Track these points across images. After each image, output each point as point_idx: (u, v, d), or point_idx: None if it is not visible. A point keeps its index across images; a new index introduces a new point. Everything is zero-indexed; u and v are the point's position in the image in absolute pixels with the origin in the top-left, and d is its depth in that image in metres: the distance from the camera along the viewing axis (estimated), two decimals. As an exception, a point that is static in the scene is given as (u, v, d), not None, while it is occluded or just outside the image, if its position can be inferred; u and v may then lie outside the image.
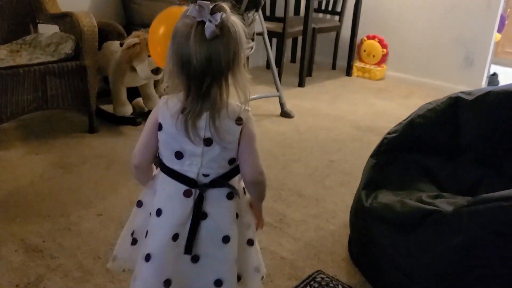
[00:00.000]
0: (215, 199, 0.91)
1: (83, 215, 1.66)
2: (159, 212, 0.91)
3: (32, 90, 2.14)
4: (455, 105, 1.55)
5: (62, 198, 1.76)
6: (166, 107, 0.88)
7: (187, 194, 0.90)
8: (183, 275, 0.93)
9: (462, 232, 1.10)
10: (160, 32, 1.82)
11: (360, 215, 1.42)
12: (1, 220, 1.59)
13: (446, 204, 1.19)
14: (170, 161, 0.91)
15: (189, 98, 0.84)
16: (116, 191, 1.84)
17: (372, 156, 1.57)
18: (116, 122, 2.51)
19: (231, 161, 0.92)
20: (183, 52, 0.81)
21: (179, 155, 0.89)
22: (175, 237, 0.91)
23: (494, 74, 3.99)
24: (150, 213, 0.94)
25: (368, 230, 1.37)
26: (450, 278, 1.15)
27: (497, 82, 4.00)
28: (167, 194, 0.92)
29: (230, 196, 0.93)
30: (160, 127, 0.89)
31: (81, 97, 2.30)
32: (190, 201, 0.90)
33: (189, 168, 0.89)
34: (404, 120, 1.60)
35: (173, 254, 0.91)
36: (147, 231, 0.94)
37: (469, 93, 1.56)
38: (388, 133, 1.59)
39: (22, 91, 2.10)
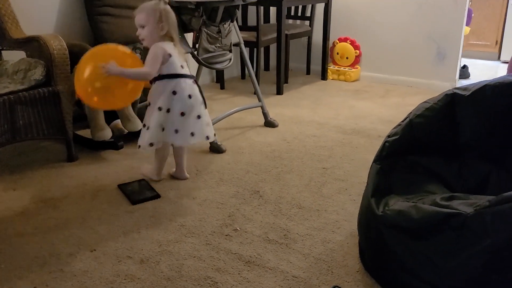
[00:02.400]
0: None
1: (74, 253, 1.53)
2: (175, 92, 1.87)
3: (2, 122, 1.99)
4: (452, 102, 1.53)
5: (49, 237, 1.62)
6: (167, 47, 1.86)
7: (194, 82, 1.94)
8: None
9: (489, 235, 1.06)
10: (89, 72, 1.78)
11: (372, 224, 1.37)
12: (-16, 268, 1.45)
13: (464, 205, 1.16)
14: (178, 69, 1.88)
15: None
16: (107, 222, 1.72)
17: (375, 161, 1.52)
18: (95, 147, 2.38)
19: None
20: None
21: (182, 67, 1.90)
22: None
23: (464, 67, 4.08)
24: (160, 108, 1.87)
25: (382, 239, 1.32)
26: (480, 284, 1.11)
27: (468, 74, 4.09)
28: (180, 84, 1.88)
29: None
30: (170, 55, 1.85)
31: (56, 125, 2.16)
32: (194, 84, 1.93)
33: (187, 71, 1.91)
34: (403, 121, 1.57)
35: None
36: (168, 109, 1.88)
37: (464, 89, 1.54)
38: (389, 136, 1.55)
39: (-8, 124, 1.94)
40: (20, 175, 2.11)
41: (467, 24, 3.62)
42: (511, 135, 1.45)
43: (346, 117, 2.97)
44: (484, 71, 4.38)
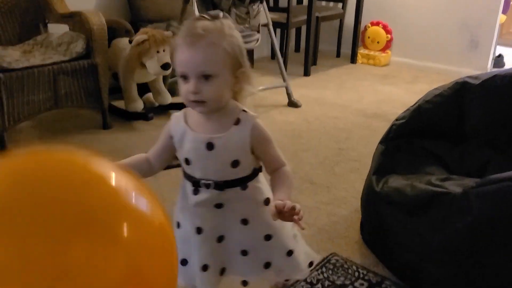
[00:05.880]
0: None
1: (104, 208, 1.72)
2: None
3: (46, 90, 2.20)
4: (461, 90, 1.59)
5: (82, 193, 1.82)
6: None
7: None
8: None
9: (471, 213, 1.15)
10: None
11: (371, 199, 1.48)
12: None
13: (455, 186, 1.24)
14: None
15: None
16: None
17: (381, 142, 1.61)
18: (128, 117, 2.57)
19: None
20: None
21: None
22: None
23: (500, 56, 3.99)
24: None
25: (379, 214, 1.43)
26: (460, 258, 1.20)
27: (503, 64, 4.00)
28: None
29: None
30: None
31: (94, 95, 2.36)
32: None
33: None
34: (412, 106, 1.64)
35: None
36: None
37: (476, 77, 1.59)
38: (396, 120, 1.63)
39: (37, 91, 2.16)
40: (60, 139, 2.33)
41: (504, 12, 3.54)
42: (516, 124, 1.50)
43: (369, 101, 3.02)
44: (521, 61, 4.27)
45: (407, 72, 3.75)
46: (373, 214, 1.47)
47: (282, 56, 3.05)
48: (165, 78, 2.67)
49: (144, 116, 2.56)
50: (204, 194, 0.95)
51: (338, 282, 1.36)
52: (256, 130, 0.94)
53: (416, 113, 1.61)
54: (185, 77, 0.88)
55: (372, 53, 3.94)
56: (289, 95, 2.89)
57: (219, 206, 0.96)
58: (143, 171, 0.96)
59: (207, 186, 0.94)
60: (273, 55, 4.11)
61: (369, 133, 2.49)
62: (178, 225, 1.02)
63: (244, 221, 0.98)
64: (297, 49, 4.34)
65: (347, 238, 1.57)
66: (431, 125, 1.60)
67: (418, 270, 1.30)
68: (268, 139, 0.97)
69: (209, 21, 0.88)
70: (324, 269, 1.41)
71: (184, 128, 0.94)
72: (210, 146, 0.92)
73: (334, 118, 2.71)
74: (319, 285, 1.35)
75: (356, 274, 1.39)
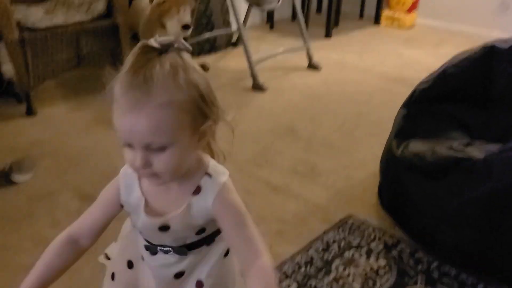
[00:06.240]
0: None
1: (127, 167, 1.78)
2: None
3: (69, 49, 2.22)
4: (490, 54, 1.54)
5: (107, 151, 1.88)
6: None
7: None
8: None
9: (491, 179, 1.15)
10: None
11: (391, 163, 1.49)
12: (55, 172, 1.73)
13: (477, 151, 1.24)
14: None
15: None
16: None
17: (403, 106, 1.60)
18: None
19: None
20: None
21: None
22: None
23: (531, 19, 3.82)
24: None
25: (398, 177, 1.44)
26: (478, 224, 1.21)
27: (534, 28, 3.84)
28: None
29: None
30: None
31: (116, 55, 2.37)
32: None
33: None
34: (437, 70, 1.61)
35: None
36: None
37: (505, 41, 1.55)
38: (420, 84, 1.61)
39: (60, 51, 2.18)
40: (83, 98, 2.37)
41: (539, -28, 3.36)
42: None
43: (392, 65, 2.96)
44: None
45: (432, 35, 3.63)
46: (392, 177, 1.48)
47: (303, 17, 2.99)
48: (185, 39, 2.65)
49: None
50: (161, 258, 0.77)
51: (354, 243, 1.39)
52: (220, 201, 0.70)
53: (441, 77, 1.58)
54: (129, 145, 0.66)
55: (396, 14, 3.82)
56: (309, 57, 2.85)
57: (179, 275, 0.77)
58: (68, 260, 0.77)
59: (166, 252, 0.76)
60: (294, 16, 4.02)
61: (391, 98, 2.45)
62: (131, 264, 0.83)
63: (199, 284, 0.78)
64: (318, 9, 4.23)
65: (364, 201, 1.60)
66: (456, 90, 1.57)
67: (435, 234, 1.32)
68: (238, 213, 0.71)
69: (158, 65, 0.61)
70: (340, 230, 1.44)
71: (138, 202, 0.74)
72: (164, 228, 0.73)
73: (354, 82, 2.67)
74: (335, 245, 1.39)
75: (372, 235, 1.42)
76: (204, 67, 2.71)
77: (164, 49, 0.64)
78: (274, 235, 1.43)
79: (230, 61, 2.94)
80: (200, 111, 0.65)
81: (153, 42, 0.64)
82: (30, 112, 2.18)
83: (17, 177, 1.65)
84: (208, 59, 2.91)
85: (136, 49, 0.64)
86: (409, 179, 1.40)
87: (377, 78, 2.73)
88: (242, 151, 1.90)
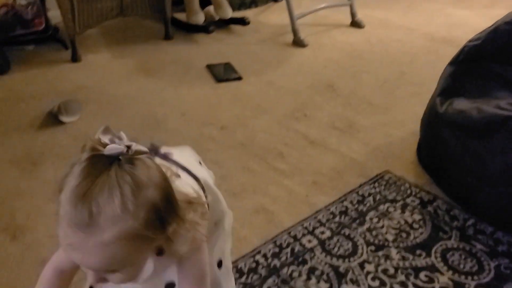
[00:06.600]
0: None
1: (168, 114, 1.82)
2: None
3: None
4: (547, 11, 1.46)
5: (147, 99, 1.93)
6: None
7: None
8: None
9: (540, 137, 1.11)
10: None
11: (433, 120, 1.46)
12: (99, 115, 1.80)
13: (526, 110, 1.20)
14: None
15: None
16: (194, 94, 1.98)
17: (450, 64, 1.55)
18: (189, 30, 2.59)
19: None
20: None
21: None
22: None
23: None
24: None
25: (440, 135, 1.41)
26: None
27: None
28: None
29: None
30: None
31: (158, 5, 2.38)
32: None
33: None
34: (489, 27, 1.53)
35: None
36: None
37: None
38: (470, 41, 1.55)
39: (105, -2, 2.22)
40: (125, 46, 2.42)
41: None
42: None
43: (439, 25, 2.83)
44: None
45: (485, -5, 3.43)
46: (433, 135, 1.46)
47: (348, -28, 2.87)
48: (227, -9, 2.62)
49: (204, 29, 2.57)
50: None
51: (390, 197, 1.40)
52: (184, 261, 0.69)
53: (492, 35, 1.51)
54: None
55: (447, -27, 3.60)
56: (352, 14, 2.77)
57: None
58: (65, 284, 0.77)
59: None
60: (338, -28, 3.87)
61: (436, 58, 2.36)
62: None
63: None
64: (364, -34, 4.05)
65: (402, 158, 1.58)
66: (507, 49, 1.50)
67: (474, 192, 1.30)
68: (199, 273, 0.72)
69: (106, 187, 0.54)
70: (376, 184, 1.45)
71: None
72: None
73: (398, 41, 2.58)
74: (370, 198, 1.40)
75: (409, 191, 1.42)
76: (244, 21, 2.69)
77: (114, 158, 0.56)
78: (309, 185, 1.45)
79: (271, 16, 2.90)
80: (156, 226, 0.58)
81: (102, 147, 0.56)
82: (75, 58, 2.24)
83: (64, 118, 1.73)
84: (249, 13, 2.87)
85: (84, 157, 0.56)
86: (451, 137, 1.37)
87: (422, 39, 2.63)
88: (281, 105, 1.91)
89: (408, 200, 1.38)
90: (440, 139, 1.41)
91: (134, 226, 0.55)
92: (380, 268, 1.16)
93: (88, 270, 0.60)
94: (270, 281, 1.13)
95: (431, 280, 1.13)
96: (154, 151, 0.70)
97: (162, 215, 0.58)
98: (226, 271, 0.91)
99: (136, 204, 0.55)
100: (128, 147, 0.57)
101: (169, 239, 0.61)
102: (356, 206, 1.36)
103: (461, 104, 1.38)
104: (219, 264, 0.89)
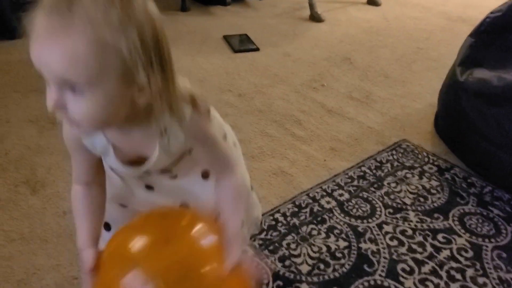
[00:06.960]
0: None
1: (186, 80, 1.83)
2: None
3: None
4: None
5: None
6: None
7: None
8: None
9: None
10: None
11: (452, 89, 1.46)
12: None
13: (549, 77, 1.20)
14: None
15: None
16: (211, 62, 1.99)
17: (470, 35, 1.55)
18: (206, 2, 2.59)
19: None
20: None
21: None
22: None
23: None
24: None
25: (459, 103, 1.42)
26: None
27: None
28: None
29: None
30: None
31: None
32: None
33: None
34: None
35: None
36: None
37: None
38: (491, 12, 1.54)
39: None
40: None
41: None
42: None
43: (455, 4, 2.81)
44: None
45: (502, -23, 3.38)
46: (452, 104, 1.46)
47: None
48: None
49: (221, 1, 2.57)
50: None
51: (408, 164, 1.41)
52: (191, 134, 0.67)
53: (515, 6, 1.50)
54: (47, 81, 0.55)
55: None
56: (369, -9, 2.75)
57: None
58: (101, 200, 0.74)
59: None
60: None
61: (451, 36, 2.35)
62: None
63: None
64: None
65: (419, 128, 1.59)
66: (530, 20, 1.49)
67: (492, 159, 1.31)
68: (209, 138, 0.71)
69: None
70: (394, 152, 1.46)
71: (106, 149, 0.68)
72: (147, 172, 0.71)
73: (414, 19, 2.57)
74: (388, 164, 1.41)
75: (426, 159, 1.43)
76: (261, -6, 2.68)
77: None
78: (327, 151, 1.47)
79: (287, -9, 2.88)
80: (140, 59, 0.53)
81: None
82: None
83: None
84: (264, -13, 2.86)
85: None
86: (470, 105, 1.38)
87: (438, 17, 2.61)
88: (298, 76, 1.91)
89: (426, 167, 1.40)
90: (459, 108, 1.41)
91: (111, 38, 0.50)
92: (398, 229, 1.18)
93: (49, 85, 0.55)
94: (289, 238, 1.15)
95: (448, 242, 1.15)
96: None
97: (148, 47, 0.53)
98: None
99: (120, 18, 0.51)
100: None
101: (151, 91, 0.56)
102: (374, 171, 1.38)
103: (482, 73, 1.38)
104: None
